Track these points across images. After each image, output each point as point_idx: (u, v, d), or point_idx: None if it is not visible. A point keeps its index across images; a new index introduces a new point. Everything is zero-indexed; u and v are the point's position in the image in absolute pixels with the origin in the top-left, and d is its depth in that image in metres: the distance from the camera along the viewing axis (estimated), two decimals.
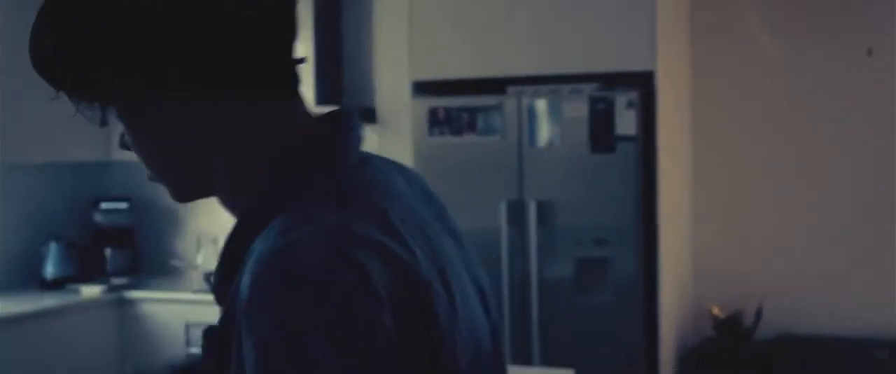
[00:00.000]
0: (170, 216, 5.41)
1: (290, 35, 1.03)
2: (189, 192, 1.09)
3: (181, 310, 4.81)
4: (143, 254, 5.40)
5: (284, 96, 1.05)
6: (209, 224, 5.27)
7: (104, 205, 5.31)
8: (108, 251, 5.25)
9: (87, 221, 5.33)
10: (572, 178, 4.08)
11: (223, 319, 0.97)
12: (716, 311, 4.31)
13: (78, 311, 4.78)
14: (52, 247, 5.06)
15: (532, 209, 4.10)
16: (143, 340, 4.89)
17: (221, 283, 1.02)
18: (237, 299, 0.93)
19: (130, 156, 1.06)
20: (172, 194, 1.09)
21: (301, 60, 1.05)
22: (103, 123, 1.03)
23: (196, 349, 4.70)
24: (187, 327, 4.77)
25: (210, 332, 1.02)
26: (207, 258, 5.17)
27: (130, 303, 4.92)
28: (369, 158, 1.08)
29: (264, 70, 1.01)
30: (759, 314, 4.25)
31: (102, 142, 5.03)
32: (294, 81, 1.05)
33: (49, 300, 4.73)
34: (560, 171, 4.10)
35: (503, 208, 4.15)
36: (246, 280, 0.91)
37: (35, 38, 1.00)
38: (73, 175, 5.40)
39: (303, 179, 1.00)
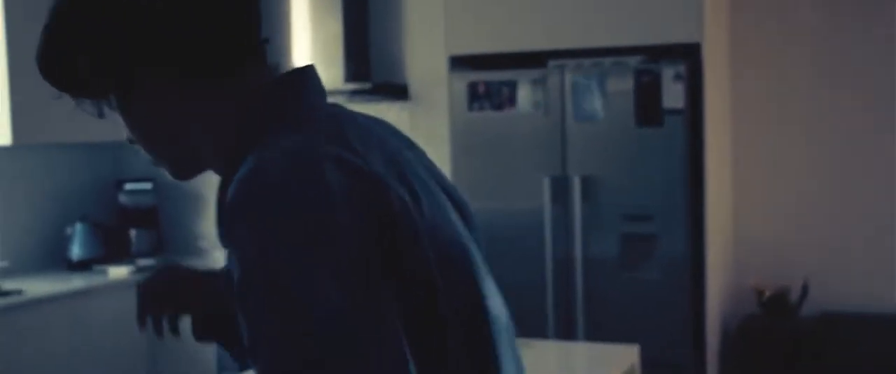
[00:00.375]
0: (194, 197, 5.33)
1: (251, 23, 1.19)
2: (184, 169, 1.24)
3: None
4: (167, 235, 5.32)
5: (247, 70, 1.19)
6: None
7: (128, 186, 5.23)
8: (132, 232, 5.17)
9: (111, 201, 5.25)
10: (617, 153, 4.01)
11: (229, 258, 1.10)
12: (761, 288, 4.25)
13: (106, 292, 4.70)
14: (78, 228, 4.98)
15: (576, 185, 4.03)
16: None
17: (221, 229, 1.15)
18: None
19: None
20: (172, 174, 1.25)
21: (266, 40, 1.21)
22: (101, 115, 1.22)
23: None
24: None
25: (227, 272, 1.17)
26: None
27: None
28: (332, 104, 1.21)
29: (226, 56, 1.16)
30: (805, 291, 4.19)
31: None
32: (260, 57, 1.20)
33: (77, 281, 4.66)
34: (604, 146, 4.02)
35: (546, 184, 4.08)
36: (226, 207, 1.04)
37: (40, 48, 1.20)
38: (95, 155, 5.32)
39: (265, 126, 1.14)
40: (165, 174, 1.26)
